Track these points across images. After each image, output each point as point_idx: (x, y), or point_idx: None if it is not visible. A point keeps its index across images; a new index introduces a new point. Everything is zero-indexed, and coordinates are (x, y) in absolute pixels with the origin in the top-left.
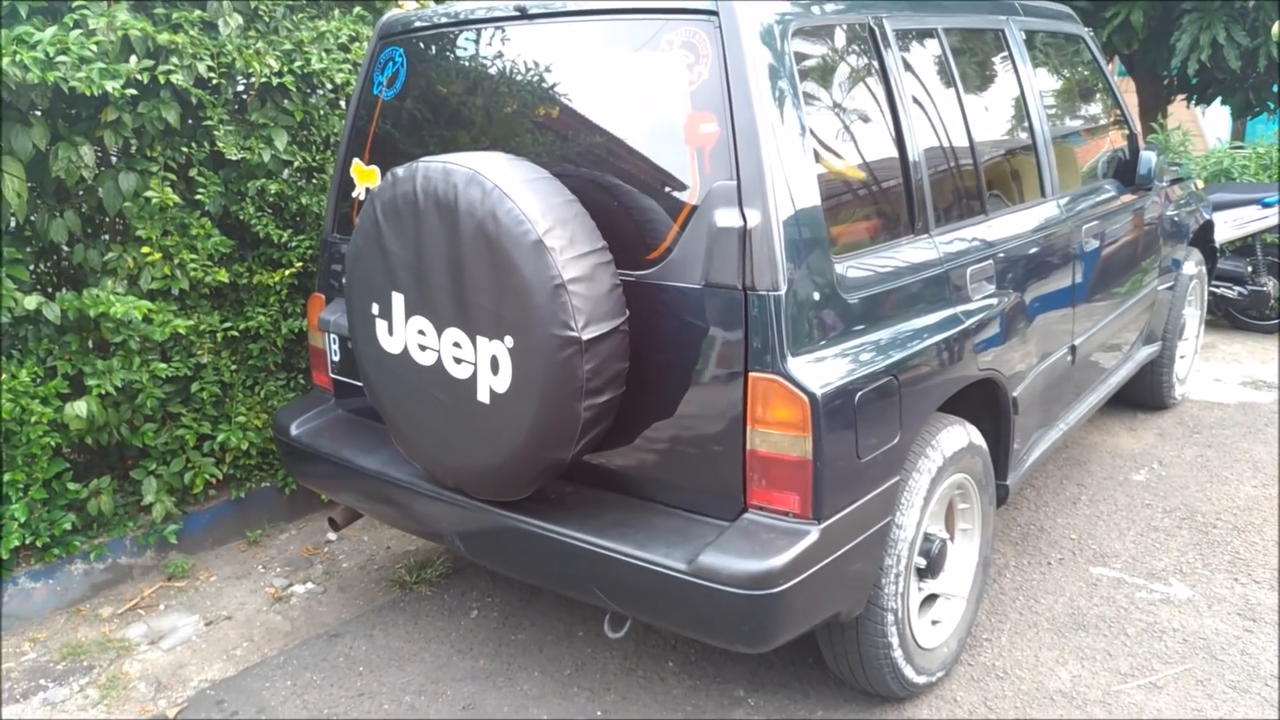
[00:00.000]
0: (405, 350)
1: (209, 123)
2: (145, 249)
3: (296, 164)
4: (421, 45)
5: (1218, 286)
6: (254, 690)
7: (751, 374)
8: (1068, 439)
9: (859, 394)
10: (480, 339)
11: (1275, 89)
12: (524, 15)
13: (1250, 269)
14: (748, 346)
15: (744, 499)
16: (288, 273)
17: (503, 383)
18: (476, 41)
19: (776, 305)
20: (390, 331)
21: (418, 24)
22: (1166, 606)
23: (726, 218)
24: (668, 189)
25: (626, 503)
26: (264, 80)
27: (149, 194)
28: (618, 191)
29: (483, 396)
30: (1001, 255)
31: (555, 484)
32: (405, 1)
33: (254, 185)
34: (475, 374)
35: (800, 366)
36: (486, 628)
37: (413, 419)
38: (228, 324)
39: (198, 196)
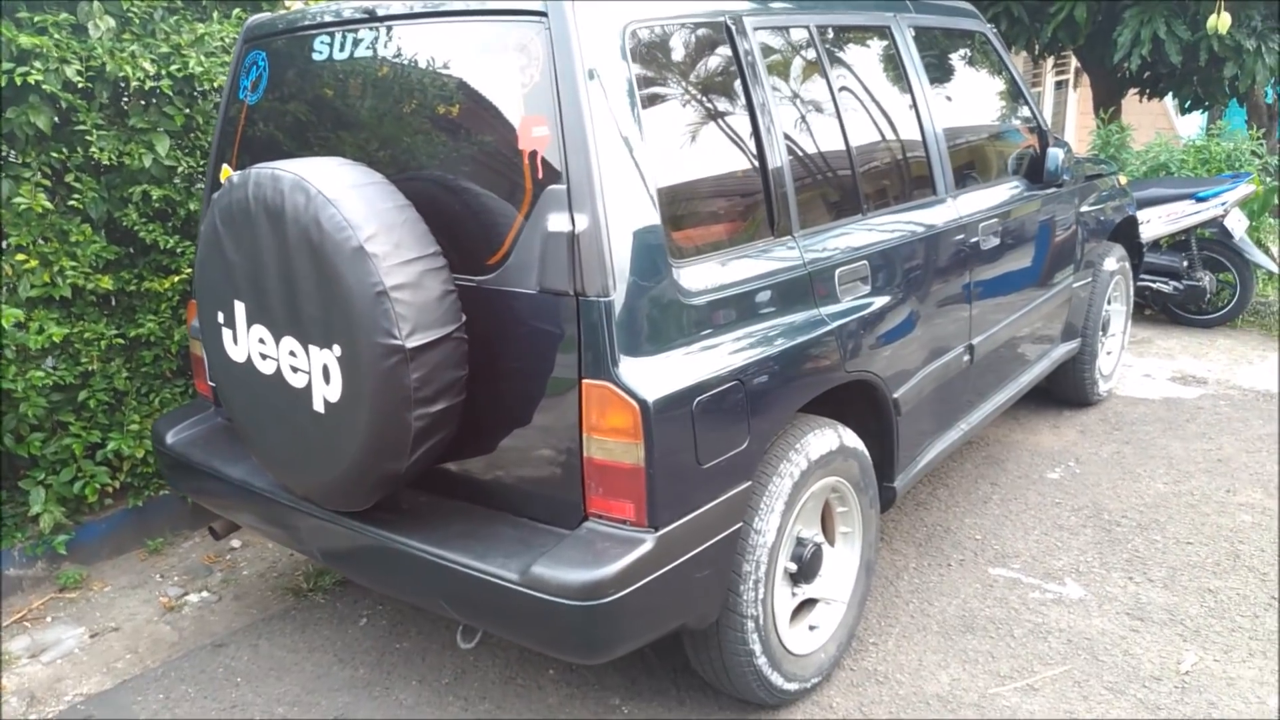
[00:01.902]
0: (249, 359)
1: (82, 127)
2: (21, 256)
3: (181, 169)
4: (280, 49)
5: (1154, 281)
6: (125, 704)
7: (585, 381)
8: (972, 439)
9: (698, 400)
10: (313, 348)
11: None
12: (372, 18)
13: (1186, 264)
14: (581, 353)
15: (584, 507)
16: (178, 279)
17: (334, 392)
18: (330, 44)
19: (607, 311)
20: (235, 340)
21: (277, 27)
22: (1057, 607)
23: (557, 222)
24: (505, 194)
25: (476, 513)
26: (138, 84)
27: (18, 200)
28: (461, 196)
29: (318, 406)
30: (879, 255)
31: (410, 493)
32: (292, 2)
33: (137, 191)
34: (310, 383)
35: (632, 373)
36: (373, 636)
37: (261, 428)
38: (116, 331)
39: (71, 202)
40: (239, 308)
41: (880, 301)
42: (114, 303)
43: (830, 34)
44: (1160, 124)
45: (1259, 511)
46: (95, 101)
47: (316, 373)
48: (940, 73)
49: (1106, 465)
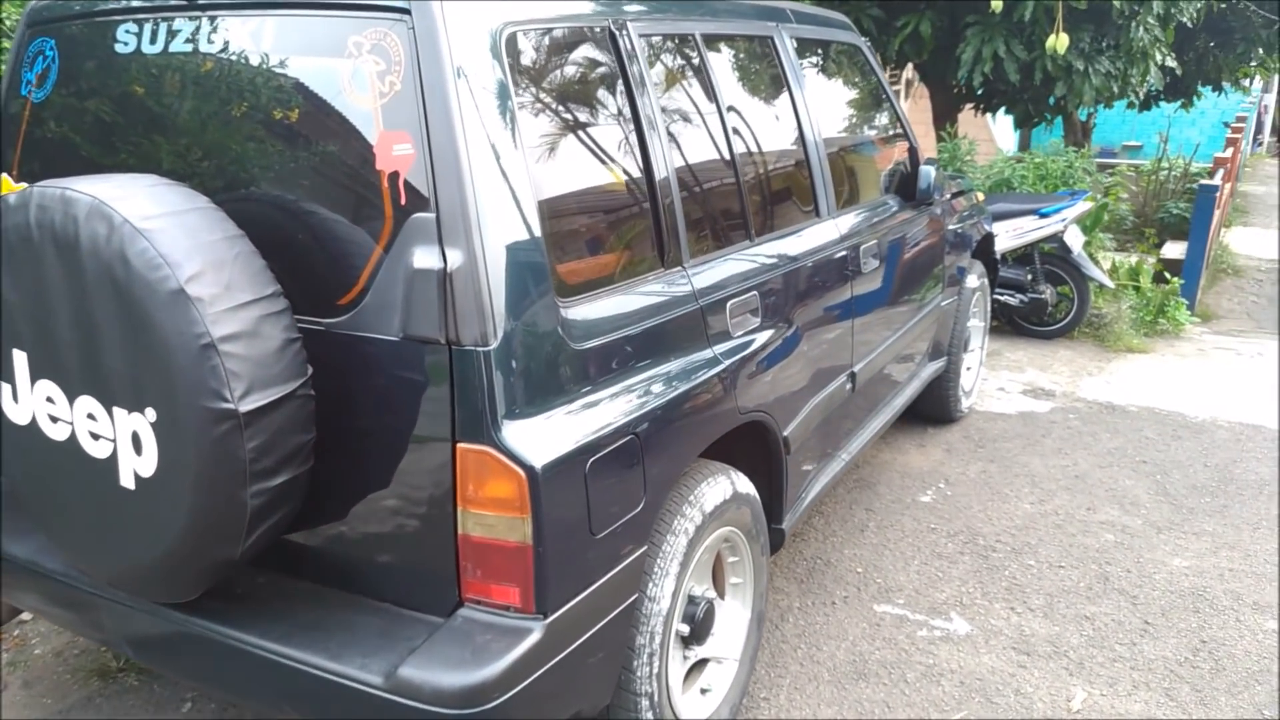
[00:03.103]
0: (34, 421)
1: None
2: None
3: None
4: (75, 36)
5: (1000, 294)
6: None
7: (460, 445)
8: (851, 467)
9: (591, 460)
10: (118, 411)
11: (1051, 101)
12: (191, 5)
13: (1030, 277)
14: (455, 412)
15: (459, 591)
16: None
17: (148, 465)
18: (138, 35)
19: (486, 362)
20: (15, 398)
21: (70, 10)
22: (946, 645)
23: (424, 258)
24: (360, 221)
25: (326, 596)
26: None
27: None
28: (305, 222)
29: (126, 481)
30: (769, 284)
31: (246, 572)
32: None
33: None
34: (116, 453)
35: (517, 434)
36: None
37: (51, 505)
38: None
39: None
40: (19, 359)
41: (769, 334)
42: None
43: (716, 43)
44: (981, 135)
45: (1119, 530)
46: None
47: (124, 441)
48: (820, 87)
49: (975, 486)
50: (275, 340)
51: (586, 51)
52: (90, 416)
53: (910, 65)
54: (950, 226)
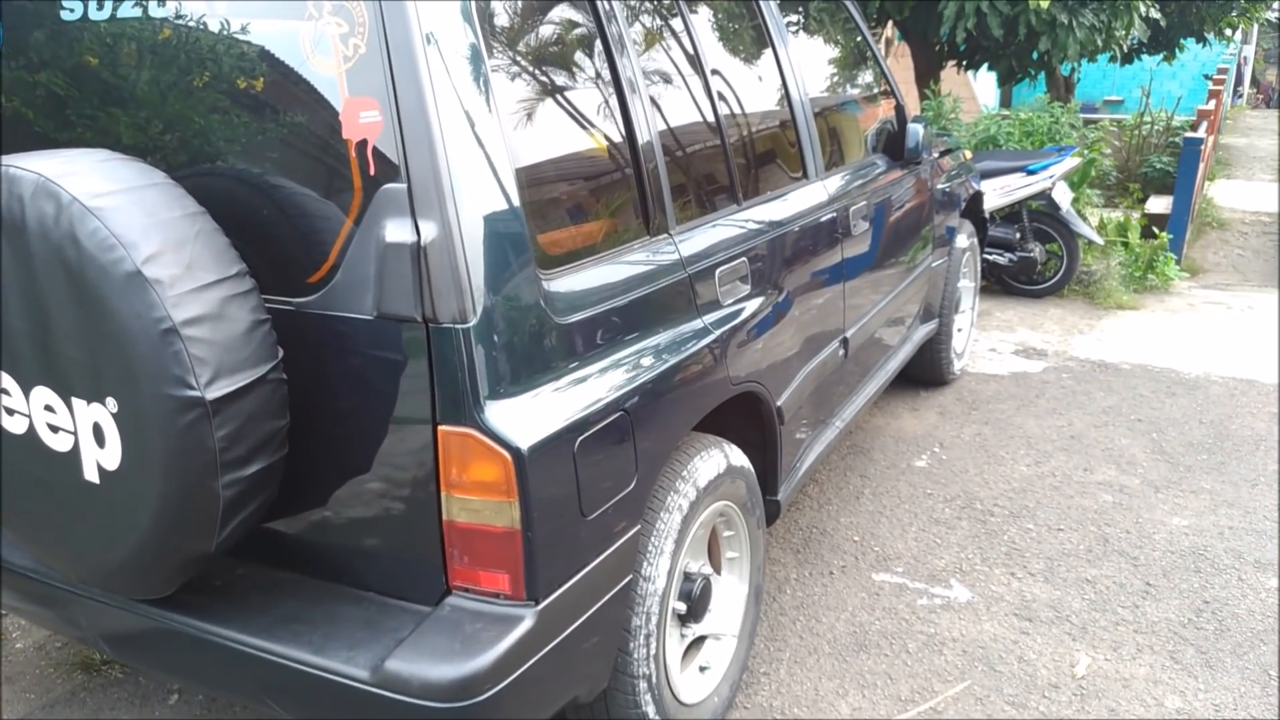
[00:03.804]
0: None
1: None
2: None
3: None
4: (20, 5)
5: (989, 253)
6: None
7: (441, 427)
8: (845, 434)
9: (580, 439)
10: (77, 401)
11: (1035, 56)
12: None
13: (1018, 235)
14: (435, 393)
15: (446, 579)
16: None
17: (112, 458)
18: (85, 1)
19: (466, 340)
20: None
21: None
22: (947, 613)
23: (396, 231)
24: (328, 193)
25: (308, 586)
26: None
27: None
28: (270, 196)
29: (90, 475)
30: (757, 250)
31: (224, 563)
32: None
33: None
34: (77, 446)
35: (501, 414)
36: (188, 714)
37: (13, 501)
38: None
39: None
40: None
41: (760, 301)
42: None
43: (697, 1)
44: (963, 93)
45: (1117, 490)
46: None
47: (85, 433)
48: (804, 45)
49: (970, 449)
50: (242, 322)
51: (563, 11)
52: (48, 408)
53: (890, 23)
54: (939, 185)
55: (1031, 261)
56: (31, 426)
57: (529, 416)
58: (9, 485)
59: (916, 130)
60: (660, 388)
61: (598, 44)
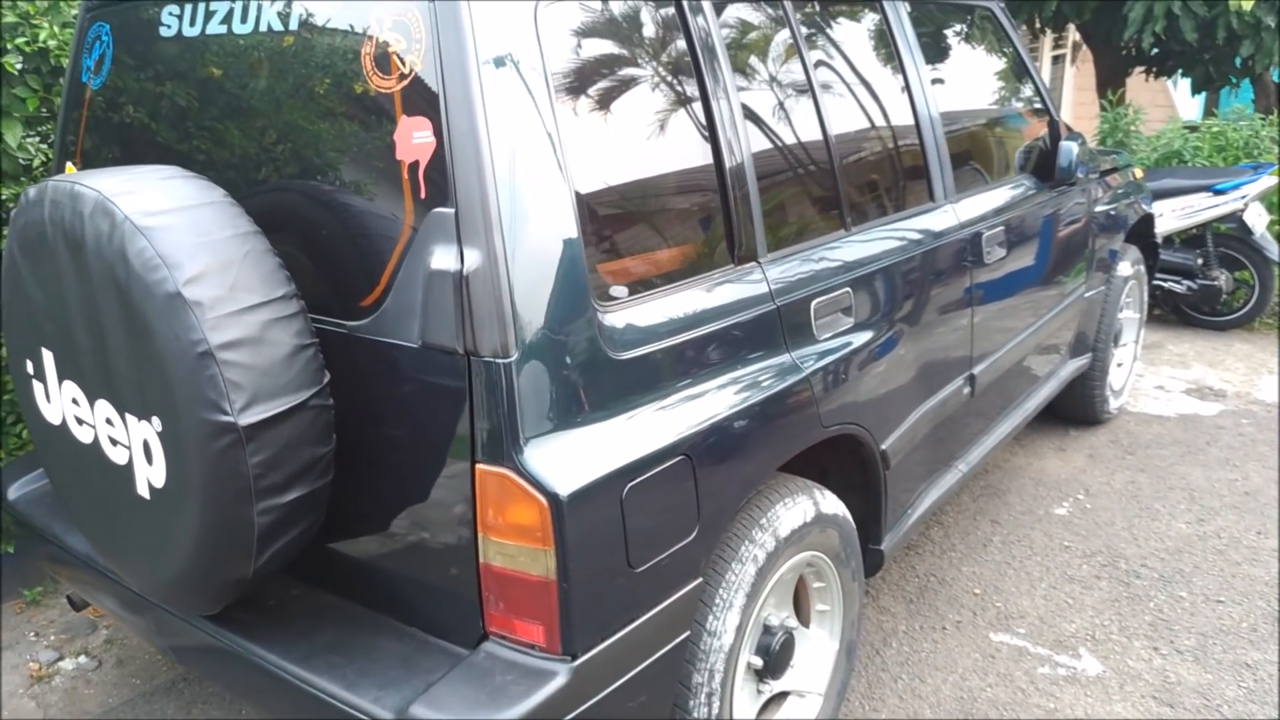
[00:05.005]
0: (64, 422)
1: None
2: None
3: (38, 163)
4: (126, 21)
5: (1165, 281)
6: None
7: (479, 466)
8: (971, 478)
9: (630, 485)
10: (130, 417)
11: (1237, 62)
12: None
13: (1201, 261)
14: (474, 429)
15: (483, 623)
16: None
17: (159, 475)
18: (179, 17)
19: (506, 375)
20: (47, 397)
21: None
22: (1071, 687)
23: (442, 258)
24: (382, 217)
25: (354, 615)
26: None
27: None
28: (334, 217)
29: (142, 490)
30: (865, 280)
31: (280, 582)
32: None
33: None
34: (131, 461)
35: (540, 457)
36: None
37: (84, 507)
38: None
39: None
40: (48, 358)
41: (865, 336)
42: None
43: (808, 8)
44: (1159, 101)
45: None
46: None
47: (137, 448)
48: (939, 56)
49: (1120, 499)
50: (284, 347)
51: (643, 20)
52: (108, 421)
53: (1073, 26)
54: (1099, 207)
55: (1215, 290)
56: (96, 437)
57: (572, 460)
58: (81, 492)
59: (1070, 148)
60: (731, 430)
61: (683, 56)
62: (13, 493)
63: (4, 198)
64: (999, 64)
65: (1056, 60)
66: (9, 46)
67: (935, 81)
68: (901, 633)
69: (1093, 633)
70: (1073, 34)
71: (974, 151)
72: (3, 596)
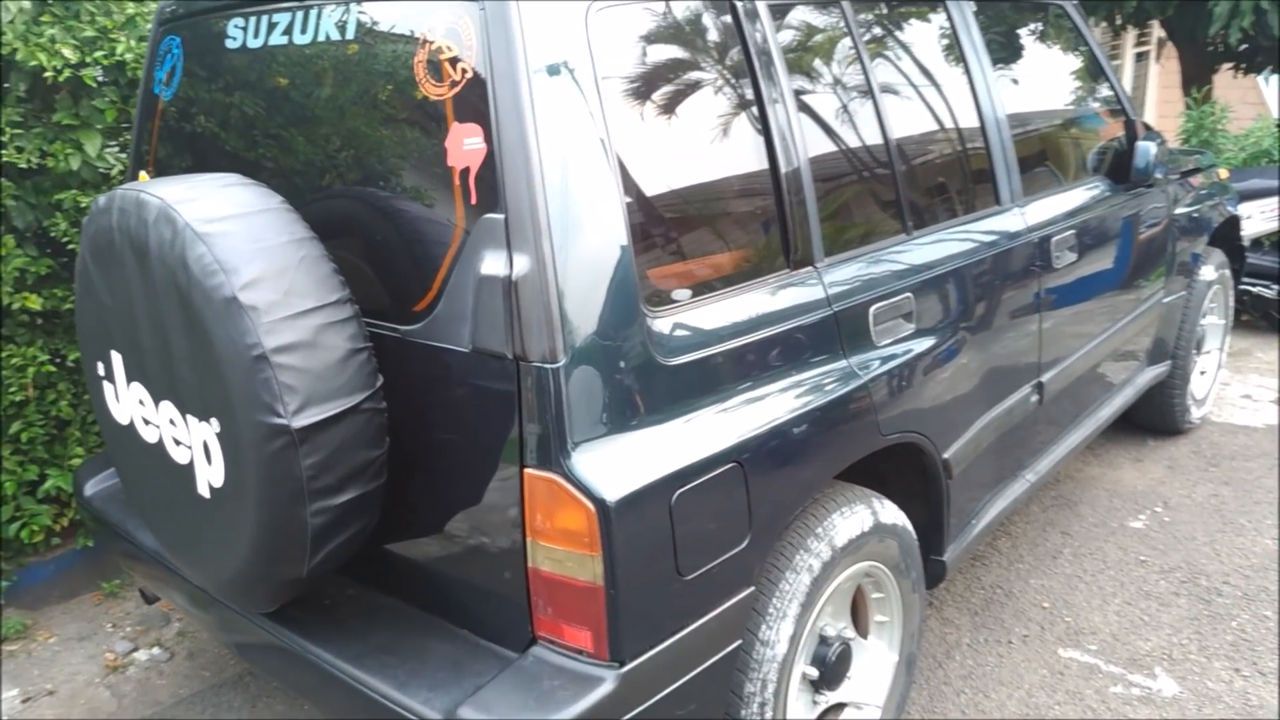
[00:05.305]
0: (132, 422)
1: None
2: None
3: (116, 171)
4: (195, 34)
5: (1253, 285)
6: None
7: (527, 470)
8: (1040, 488)
9: (679, 492)
10: (191, 418)
11: None
12: None
13: None
14: (522, 433)
15: (531, 627)
16: None
17: (218, 475)
18: (244, 29)
19: (555, 381)
20: (117, 398)
21: (191, 8)
22: (1145, 707)
23: (492, 263)
24: (437, 223)
25: (407, 616)
26: (52, 74)
27: None
28: (390, 223)
29: (203, 490)
30: (927, 285)
31: (337, 581)
32: None
33: (68, 197)
34: (193, 461)
35: (588, 462)
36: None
37: (152, 505)
38: (47, 357)
39: None
40: (117, 360)
41: (927, 343)
42: (55, 323)
43: (867, 9)
44: (1250, 99)
45: None
46: (11, 95)
47: (198, 449)
48: (1007, 55)
49: (1201, 512)
50: (337, 350)
51: (695, 23)
52: (171, 422)
53: (1156, 22)
54: (1180, 209)
55: None
56: (161, 438)
57: (621, 465)
58: (149, 491)
59: (1147, 148)
60: (785, 437)
61: (737, 58)
62: (88, 489)
63: (85, 205)
64: (1071, 62)
65: (1140, 58)
66: (88, 60)
67: (1002, 82)
68: (965, 645)
69: (1169, 651)
70: (1156, 30)
71: (1044, 153)
72: (80, 590)
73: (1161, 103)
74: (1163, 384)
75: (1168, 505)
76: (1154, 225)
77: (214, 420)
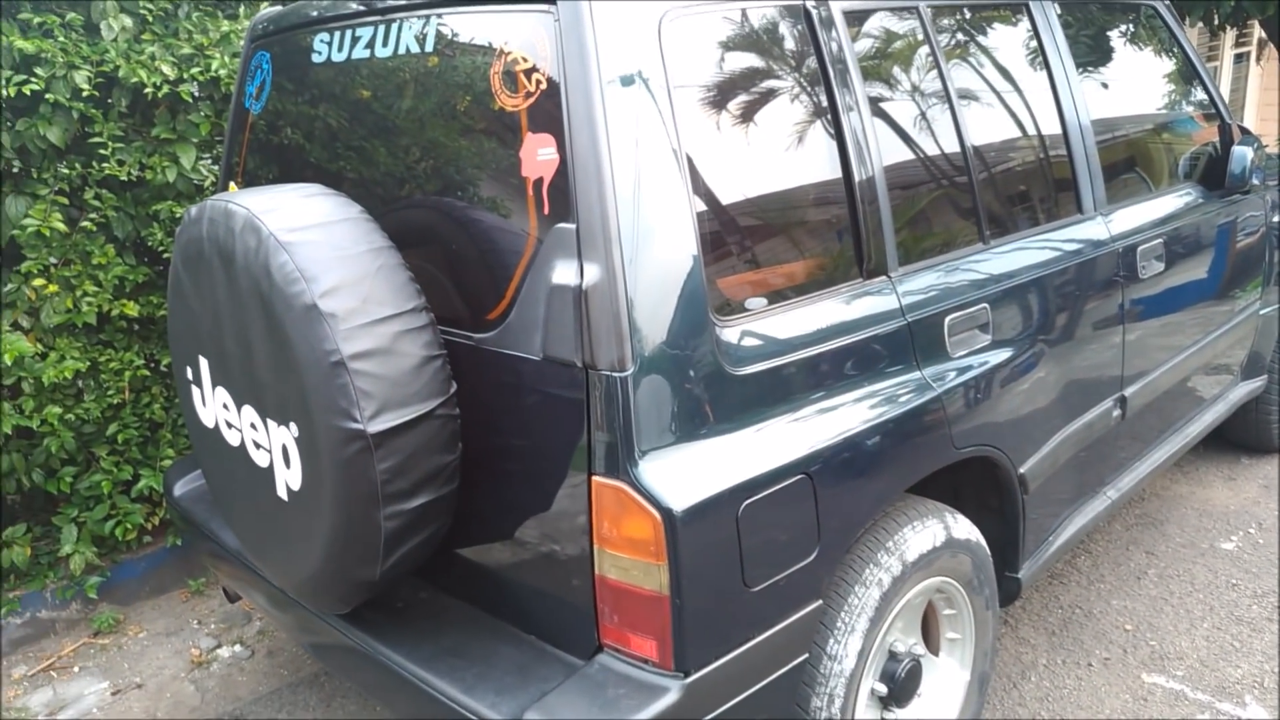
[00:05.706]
0: (217, 425)
1: (97, 139)
2: (40, 280)
3: (210, 183)
4: (283, 49)
5: None
6: None
7: (595, 478)
8: (1122, 505)
9: (746, 503)
10: (271, 423)
11: None
12: (369, 10)
13: None
14: (590, 441)
15: (597, 634)
16: None
17: (295, 478)
18: (329, 44)
19: (623, 389)
20: (203, 402)
21: (280, 24)
22: None
23: (563, 272)
24: (509, 232)
25: (476, 620)
26: (152, 90)
27: (26, 221)
28: (466, 232)
29: (281, 492)
30: (1004, 296)
31: (410, 583)
32: None
33: (164, 207)
34: (272, 464)
35: (657, 471)
36: None
37: (233, 506)
38: (143, 361)
39: (84, 223)
40: (204, 364)
41: (1004, 355)
42: (150, 329)
43: (947, 16)
44: None
45: None
46: (113, 110)
47: (277, 453)
48: (1094, 59)
49: None
50: (413, 357)
51: (770, 31)
52: (252, 425)
53: (1256, 23)
54: (1278, 218)
55: None
56: (243, 441)
57: (688, 475)
58: (231, 492)
59: (1243, 154)
60: (856, 450)
61: (812, 65)
62: (177, 490)
63: (179, 216)
64: (1163, 65)
65: (1239, 59)
66: (185, 76)
67: (1088, 86)
68: (1042, 666)
69: (1261, 680)
70: (1257, 31)
71: (1132, 159)
72: (168, 587)
73: (1261, 105)
74: (1258, 399)
75: (1262, 527)
76: (1250, 234)
77: (293, 424)
